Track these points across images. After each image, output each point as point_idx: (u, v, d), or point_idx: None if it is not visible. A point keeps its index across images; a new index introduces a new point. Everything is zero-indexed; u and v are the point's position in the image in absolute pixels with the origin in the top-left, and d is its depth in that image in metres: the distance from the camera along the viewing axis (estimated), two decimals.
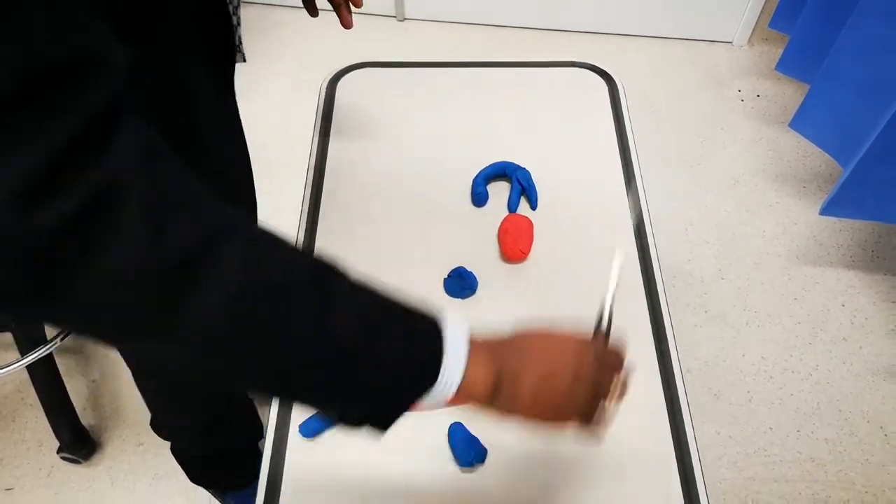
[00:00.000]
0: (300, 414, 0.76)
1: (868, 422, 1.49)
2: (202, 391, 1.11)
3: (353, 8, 0.87)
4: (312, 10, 0.89)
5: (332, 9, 0.86)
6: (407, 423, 0.75)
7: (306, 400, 0.49)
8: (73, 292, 0.37)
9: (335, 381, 0.47)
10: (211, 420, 1.17)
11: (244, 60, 0.75)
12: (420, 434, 0.75)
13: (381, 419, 0.50)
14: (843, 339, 1.61)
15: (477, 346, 0.51)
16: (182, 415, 1.19)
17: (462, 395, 0.50)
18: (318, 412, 0.51)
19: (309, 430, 0.74)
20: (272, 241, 0.45)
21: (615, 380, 0.58)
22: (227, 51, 0.74)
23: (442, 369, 0.49)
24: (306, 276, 0.46)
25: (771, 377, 1.55)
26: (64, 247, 0.36)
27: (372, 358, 0.47)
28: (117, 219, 0.37)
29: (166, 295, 0.39)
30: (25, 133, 0.34)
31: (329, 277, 0.47)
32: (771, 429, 1.48)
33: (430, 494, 0.72)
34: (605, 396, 0.57)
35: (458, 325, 0.52)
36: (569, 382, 0.54)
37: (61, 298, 0.37)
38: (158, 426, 1.23)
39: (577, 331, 0.59)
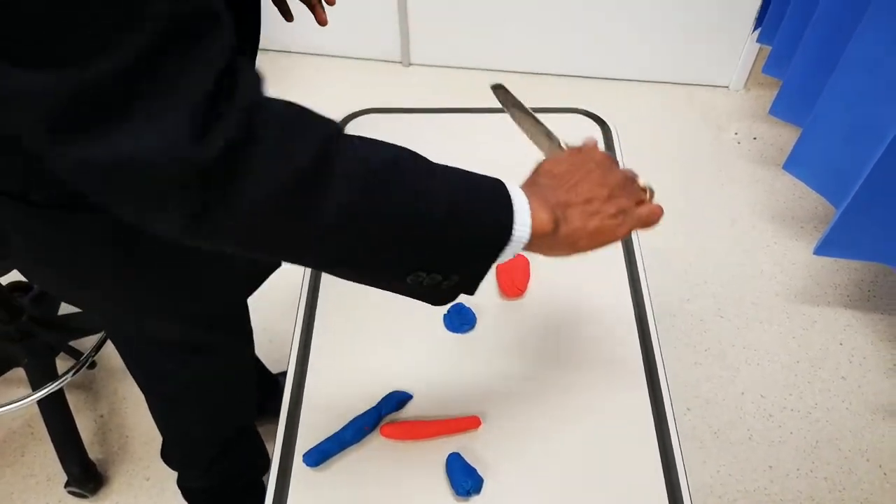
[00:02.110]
0: (304, 443, 0.79)
1: (867, 461, 1.50)
2: (215, 419, 1.15)
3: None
4: (287, 16, 0.93)
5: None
6: (405, 453, 0.78)
7: (415, 266, 0.56)
8: (238, 201, 0.46)
9: (441, 242, 0.55)
10: (220, 450, 1.19)
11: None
12: (418, 463, 0.78)
13: (474, 277, 0.60)
14: (842, 377, 1.63)
15: (531, 195, 0.59)
16: (193, 443, 1.21)
17: (534, 241, 0.59)
18: (419, 282, 0.57)
19: (313, 460, 0.77)
20: (361, 138, 0.54)
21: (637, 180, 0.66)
22: (253, 30, 0.75)
23: (515, 224, 0.57)
24: (404, 152, 0.56)
25: (770, 415, 1.57)
26: (230, 165, 0.44)
27: (467, 215, 0.56)
28: (262, 137, 0.46)
29: (305, 193, 0.48)
30: (191, 69, 0.42)
31: (415, 154, 0.57)
32: (771, 467, 1.49)
33: None
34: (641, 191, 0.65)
35: (512, 183, 0.60)
36: (606, 193, 0.62)
37: (228, 210, 0.46)
38: (168, 456, 1.25)
39: (586, 149, 0.66)
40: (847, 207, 1.44)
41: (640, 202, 0.66)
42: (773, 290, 1.79)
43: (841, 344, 1.69)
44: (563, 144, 0.70)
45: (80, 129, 0.42)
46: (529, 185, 0.64)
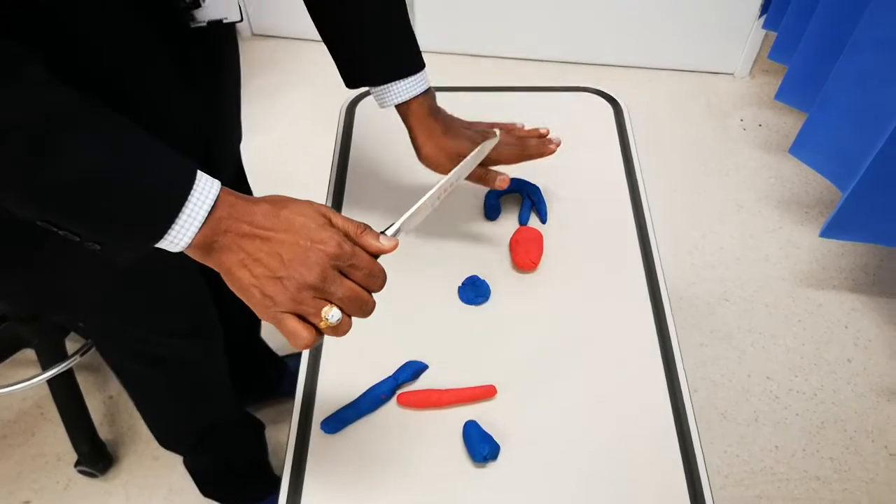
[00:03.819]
0: (321, 413, 0.80)
1: (873, 441, 1.51)
2: (185, 412, 1.15)
3: None
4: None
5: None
6: (422, 421, 0.79)
7: (37, 216, 0.53)
8: None
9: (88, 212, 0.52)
10: (200, 435, 1.20)
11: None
12: (435, 431, 0.79)
13: (129, 251, 0.55)
14: (847, 360, 1.64)
15: (215, 213, 0.54)
16: (168, 429, 1.22)
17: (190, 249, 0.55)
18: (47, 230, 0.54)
19: (331, 427, 0.78)
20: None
21: (351, 290, 0.55)
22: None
23: (169, 231, 0.52)
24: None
25: (776, 397, 1.57)
26: None
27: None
28: None
29: None
30: None
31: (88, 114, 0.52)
32: (777, 447, 1.50)
33: (445, 488, 0.75)
34: (332, 302, 0.55)
35: (205, 199, 0.53)
36: (281, 268, 0.53)
37: None
38: (158, 439, 1.26)
39: (325, 221, 0.57)
40: (853, 190, 1.45)
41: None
42: (779, 273, 1.80)
43: (846, 327, 1.70)
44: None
45: None
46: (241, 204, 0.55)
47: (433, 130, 0.84)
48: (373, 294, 0.58)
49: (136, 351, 0.97)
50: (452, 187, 0.72)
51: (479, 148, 0.81)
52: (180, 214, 0.52)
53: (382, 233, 0.60)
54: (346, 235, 0.57)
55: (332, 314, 0.55)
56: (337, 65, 0.85)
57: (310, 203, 0.57)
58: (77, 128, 0.50)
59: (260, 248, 0.54)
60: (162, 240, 0.53)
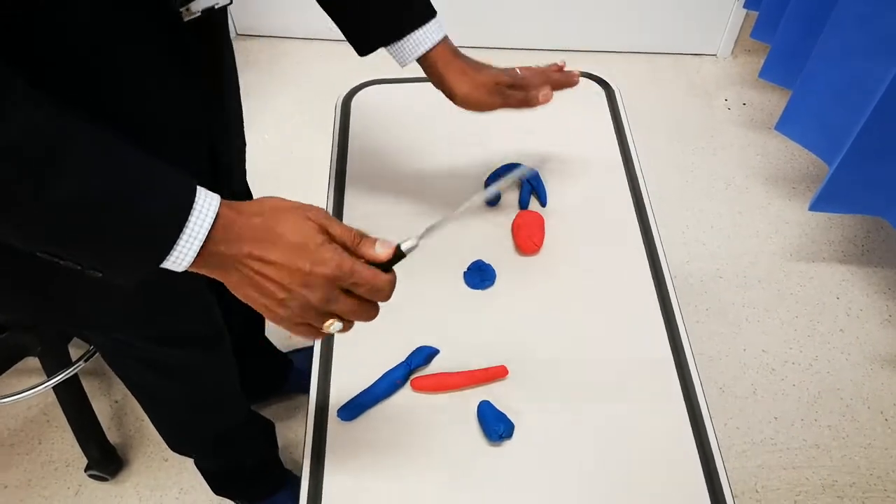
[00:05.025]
0: (336, 401, 0.82)
1: (869, 408, 1.54)
2: (196, 418, 1.15)
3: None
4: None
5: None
6: (436, 404, 0.81)
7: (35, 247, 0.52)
8: None
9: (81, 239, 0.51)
10: (213, 440, 1.21)
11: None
12: (450, 413, 0.80)
13: (131, 276, 0.54)
14: (840, 330, 1.68)
15: (215, 236, 0.53)
16: (181, 435, 1.22)
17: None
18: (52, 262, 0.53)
19: (348, 414, 0.79)
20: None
21: (353, 305, 0.57)
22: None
23: (171, 253, 0.52)
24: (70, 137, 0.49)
25: (773, 369, 1.61)
26: None
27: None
28: None
29: None
30: None
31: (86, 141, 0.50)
32: (776, 418, 1.53)
33: (464, 467, 0.77)
34: (335, 315, 0.56)
35: (205, 218, 0.53)
36: (283, 292, 0.54)
37: None
38: (170, 444, 1.27)
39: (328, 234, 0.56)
40: (840, 162, 1.48)
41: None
42: (770, 249, 1.83)
43: (837, 298, 1.73)
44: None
45: None
46: (243, 218, 0.55)
47: (464, 69, 0.82)
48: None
49: (146, 362, 0.97)
50: (474, 205, 0.66)
51: (518, 171, 0.77)
52: (180, 237, 0.52)
53: (398, 244, 0.59)
54: (345, 246, 0.57)
55: (334, 326, 0.57)
56: (345, 33, 0.82)
57: (305, 215, 0.56)
58: (72, 154, 0.49)
59: (261, 269, 0.54)
60: (164, 262, 0.53)
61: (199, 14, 0.65)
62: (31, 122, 0.47)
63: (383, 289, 0.58)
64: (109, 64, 0.59)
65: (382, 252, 0.58)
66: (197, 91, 0.71)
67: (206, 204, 0.53)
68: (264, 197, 0.58)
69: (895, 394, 1.56)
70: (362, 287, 0.57)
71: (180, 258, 0.53)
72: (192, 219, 0.52)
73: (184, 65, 0.67)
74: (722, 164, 2.04)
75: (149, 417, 1.20)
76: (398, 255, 0.59)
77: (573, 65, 0.90)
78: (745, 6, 2.07)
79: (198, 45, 0.69)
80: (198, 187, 0.53)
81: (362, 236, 0.59)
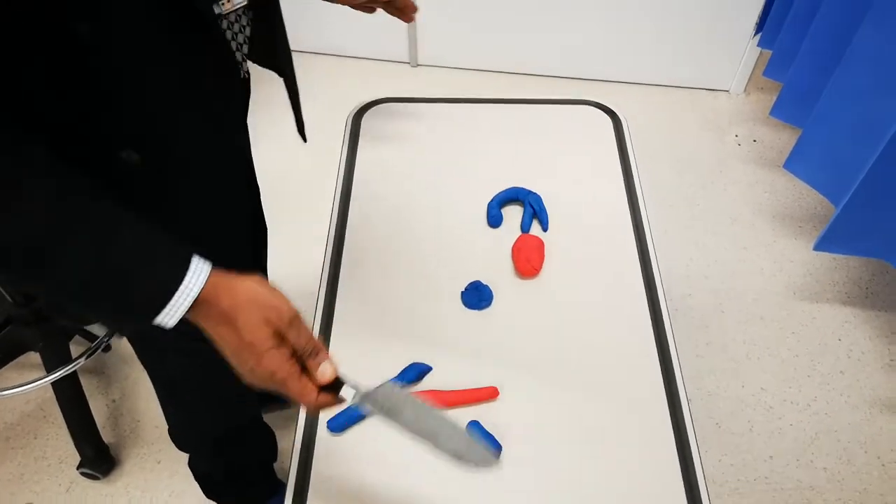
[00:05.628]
0: (328, 413, 0.82)
1: (866, 452, 1.53)
2: (217, 408, 1.16)
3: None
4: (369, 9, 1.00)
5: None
6: None
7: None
8: None
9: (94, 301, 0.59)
10: (225, 438, 1.21)
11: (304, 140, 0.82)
12: None
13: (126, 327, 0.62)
14: (840, 372, 1.66)
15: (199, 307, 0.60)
16: (196, 429, 1.23)
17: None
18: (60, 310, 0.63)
19: (337, 426, 0.80)
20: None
21: (289, 366, 0.62)
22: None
23: (161, 314, 0.58)
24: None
25: (770, 407, 1.60)
26: None
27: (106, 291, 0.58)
28: None
29: None
30: None
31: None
32: (771, 457, 1.52)
33: (449, 487, 0.77)
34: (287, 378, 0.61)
35: (192, 291, 0.59)
36: (235, 363, 0.62)
37: None
38: (175, 437, 1.27)
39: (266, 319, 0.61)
40: (847, 203, 1.48)
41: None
42: (773, 286, 1.83)
43: (839, 340, 1.72)
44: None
45: None
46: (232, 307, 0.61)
47: None
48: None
49: (181, 351, 0.98)
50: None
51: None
52: (165, 307, 0.58)
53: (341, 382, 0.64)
54: (296, 353, 0.62)
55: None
56: None
57: (266, 317, 0.60)
58: (71, 235, 0.55)
59: (220, 346, 0.61)
60: (153, 322, 0.59)
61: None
62: (37, 206, 0.54)
63: (308, 404, 0.63)
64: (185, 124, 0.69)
65: (322, 375, 0.63)
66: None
67: (193, 280, 0.59)
68: (249, 278, 0.62)
69: (893, 440, 1.55)
70: (294, 372, 0.62)
71: (165, 321, 0.59)
72: (178, 292, 0.58)
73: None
74: (730, 199, 2.05)
75: (162, 407, 1.20)
76: (338, 384, 0.64)
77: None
78: (759, 45, 2.09)
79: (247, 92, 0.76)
80: (191, 263, 0.59)
81: (318, 350, 0.63)
